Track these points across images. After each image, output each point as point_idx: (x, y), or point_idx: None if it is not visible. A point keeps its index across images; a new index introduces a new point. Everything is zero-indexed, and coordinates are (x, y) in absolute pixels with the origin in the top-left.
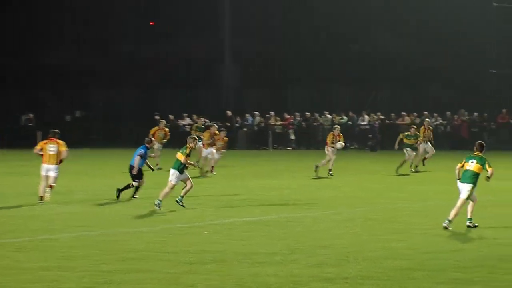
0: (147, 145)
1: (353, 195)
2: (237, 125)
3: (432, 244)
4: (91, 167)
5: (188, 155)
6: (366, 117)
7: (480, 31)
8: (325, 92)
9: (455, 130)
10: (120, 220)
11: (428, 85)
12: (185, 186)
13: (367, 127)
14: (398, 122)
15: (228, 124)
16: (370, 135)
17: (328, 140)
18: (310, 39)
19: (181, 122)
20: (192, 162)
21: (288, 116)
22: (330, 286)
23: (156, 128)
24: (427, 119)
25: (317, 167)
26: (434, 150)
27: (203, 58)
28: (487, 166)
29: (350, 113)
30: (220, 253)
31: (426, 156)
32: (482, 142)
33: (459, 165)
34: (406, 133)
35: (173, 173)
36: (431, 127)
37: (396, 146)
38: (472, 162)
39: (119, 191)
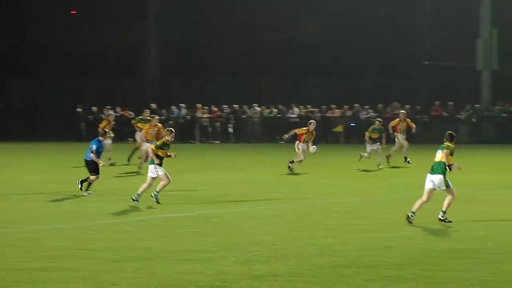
0: (100, 138)
1: (286, 190)
2: (162, 117)
3: (364, 240)
4: (11, 160)
5: (159, 147)
6: (296, 109)
7: (413, 22)
8: (254, 83)
9: (387, 123)
10: (42, 216)
11: (359, 77)
12: (161, 181)
13: (297, 119)
14: (328, 114)
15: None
16: None
17: (302, 135)
18: (238, 28)
19: (106, 113)
20: (170, 154)
21: (215, 109)
22: (259, 284)
23: (105, 122)
24: (403, 111)
25: (292, 167)
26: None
27: (126, 47)
28: (443, 151)
29: (280, 106)
30: (146, 250)
31: (390, 152)
32: (452, 132)
33: None
34: (371, 127)
35: (152, 168)
36: (407, 119)
37: (368, 139)
38: (439, 152)
39: (81, 182)
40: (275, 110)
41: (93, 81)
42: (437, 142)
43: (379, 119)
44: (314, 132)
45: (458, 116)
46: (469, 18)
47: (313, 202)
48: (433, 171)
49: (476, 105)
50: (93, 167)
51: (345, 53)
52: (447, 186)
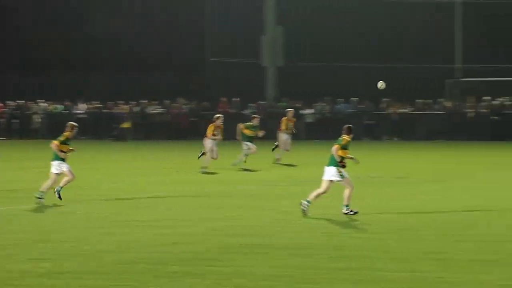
0: None
1: (75, 184)
2: None
3: (152, 237)
4: None
5: (63, 143)
6: (83, 105)
7: (199, 19)
8: (44, 78)
9: (174, 119)
10: None
11: (146, 72)
12: (66, 177)
13: (85, 116)
14: (114, 110)
15: None
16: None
17: (209, 131)
18: (28, 22)
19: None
20: (72, 148)
21: (1, 104)
22: (45, 282)
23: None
24: (291, 109)
25: (205, 167)
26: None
27: None
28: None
29: (66, 102)
30: None
31: (278, 153)
32: (350, 126)
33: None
34: (247, 124)
35: (56, 164)
36: (294, 118)
37: (239, 137)
38: (335, 145)
39: None
40: (60, 106)
41: None
42: (225, 138)
43: (256, 115)
44: (222, 125)
45: (243, 112)
46: (255, 15)
47: (101, 199)
48: (328, 163)
49: (261, 102)
50: None
51: (132, 48)
52: (342, 176)
